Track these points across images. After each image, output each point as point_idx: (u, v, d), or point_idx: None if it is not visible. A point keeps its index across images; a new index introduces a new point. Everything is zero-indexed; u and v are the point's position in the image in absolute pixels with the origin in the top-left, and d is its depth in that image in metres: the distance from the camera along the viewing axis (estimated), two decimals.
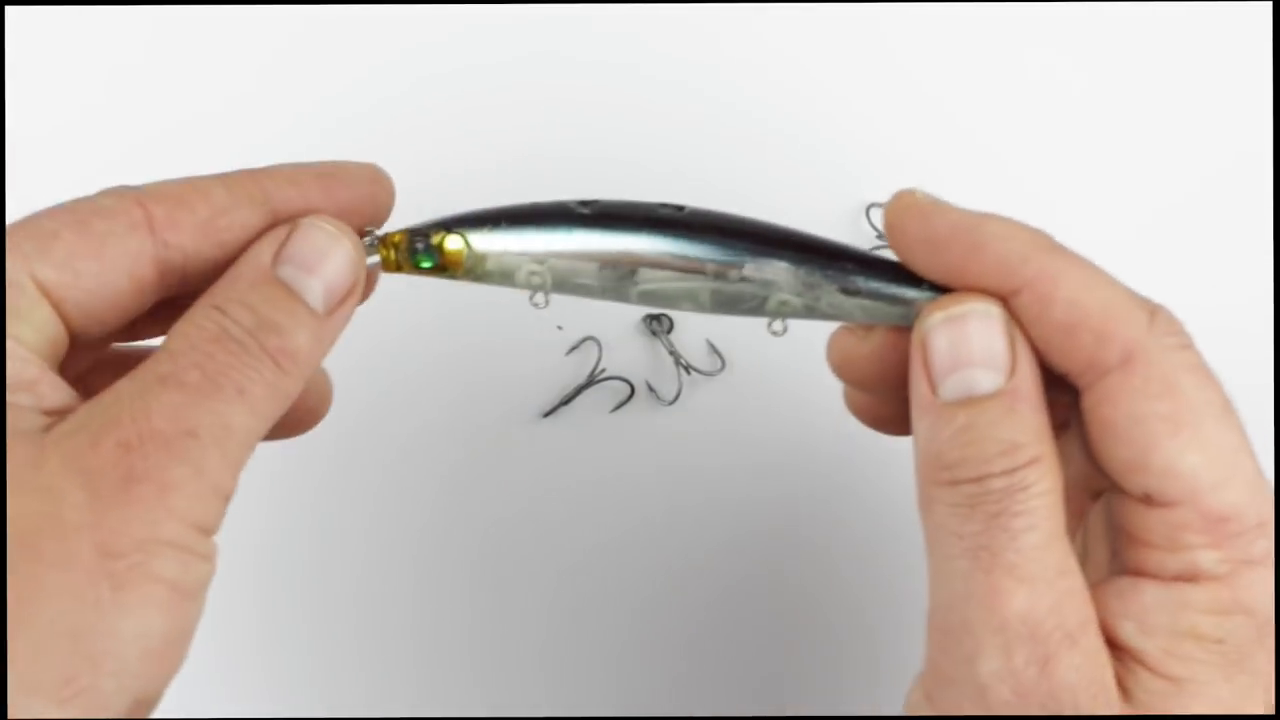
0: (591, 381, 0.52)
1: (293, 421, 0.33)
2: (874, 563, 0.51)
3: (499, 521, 0.51)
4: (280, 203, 0.31)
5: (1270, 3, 0.53)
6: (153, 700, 0.27)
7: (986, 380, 0.28)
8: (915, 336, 0.30)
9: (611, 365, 0.52)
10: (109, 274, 0.29)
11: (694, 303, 0.32)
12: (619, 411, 0.52)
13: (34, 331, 0.28)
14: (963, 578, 0.27)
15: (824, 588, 0.51)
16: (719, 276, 0.32)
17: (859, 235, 0.53)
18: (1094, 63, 0.55)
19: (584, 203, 0.32)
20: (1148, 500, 0.28)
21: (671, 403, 0.52)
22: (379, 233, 0.33)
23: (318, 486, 0.51)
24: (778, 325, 0.32)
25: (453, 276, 0.33)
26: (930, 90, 0.55)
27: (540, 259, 0.32)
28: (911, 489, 0.49)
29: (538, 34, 0.55)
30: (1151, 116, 0.54)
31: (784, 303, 0.32)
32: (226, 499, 0.28)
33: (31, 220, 0.29)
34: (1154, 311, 0.28)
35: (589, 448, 0.52)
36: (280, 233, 0.30)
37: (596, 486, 0.52)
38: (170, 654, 0.27)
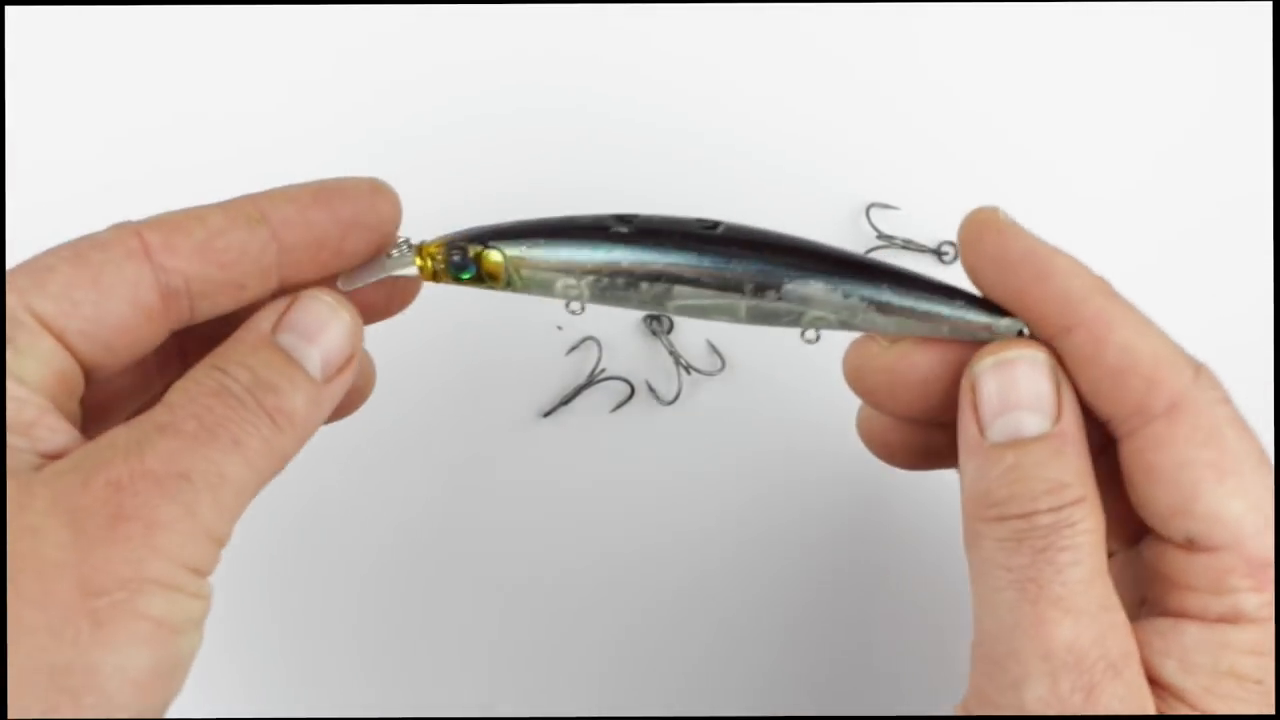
0: (591, 381, 0.52)
1: (341, 404, 0.34)
2: (875, 561, 0.51)
3: (498, 522, 0.51)
4: (279, 221, 0.31)
5: (1270, 3, 0.53)
6: None
7: (1033, 423, 0.30)
8: (964, 381, 0.31)
9: (611, 365, 0.52)
10: (109, 302, 0.30)
11: (730, 316, 0.33)
12: (619, 411, 0.52)
13: (38, 365, 0.29)
14: (1010, 609, 0.28)
15: (824, 587, 0.51)
16: (756, 294, 0.32)
17: (859, 235, 0.53)
18: (1092, 63, 0.55)
19: (622, 218, 0.32)
20: (1189, 545, 0.29)
21: (671, 403, 0.52)
22: (414, 241, 0.33)
23: (316, 485, 0.51)
24: (810, 334, 0.33)
25: (490, 287, 0.33)
26: (929, 91, 0.54)
27: (578, 274, 0.32)
28: (912, 489, 0.50)
29: (535, 36, 0.54)
30: (1149, 117, 0.54)
31: (819, 318, 0.32)
32: (220, 544, 0.29)
33: (29, 260, 0.30)
34: (1198, 367, 0.30)
35: (589, 448, 0.52)
36: (281, 303, 0.31)
37: (596, 486, 0.52)
38: (158, 685, 0.28)
